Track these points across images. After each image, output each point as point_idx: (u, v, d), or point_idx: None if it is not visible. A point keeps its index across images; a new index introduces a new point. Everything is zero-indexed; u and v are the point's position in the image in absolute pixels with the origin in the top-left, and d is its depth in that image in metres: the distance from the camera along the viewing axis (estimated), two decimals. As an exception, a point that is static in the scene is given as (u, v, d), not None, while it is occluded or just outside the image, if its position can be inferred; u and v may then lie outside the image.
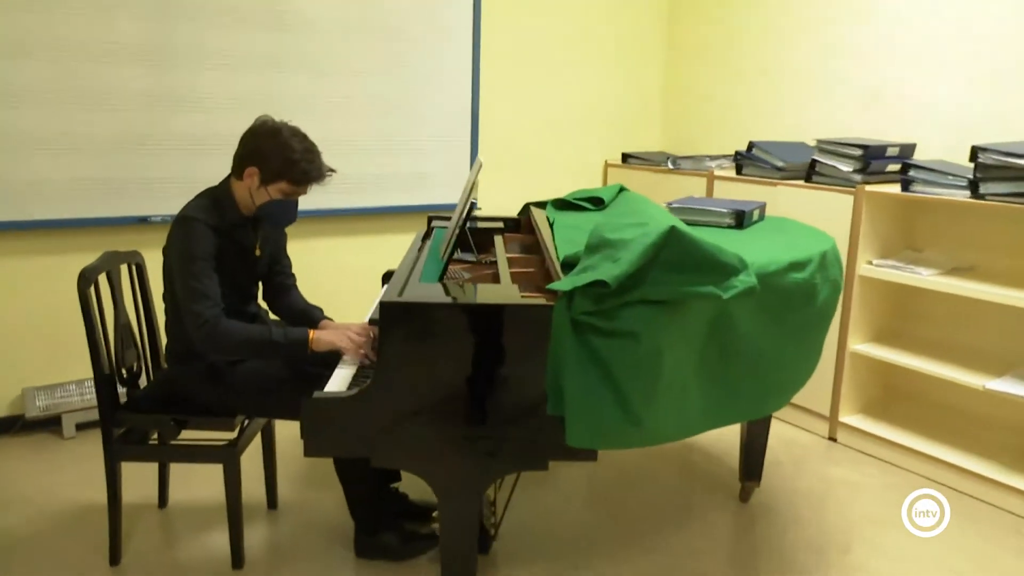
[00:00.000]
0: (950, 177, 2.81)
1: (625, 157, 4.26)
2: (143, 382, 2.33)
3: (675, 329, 1.65)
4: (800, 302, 2.04)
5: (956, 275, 2.91)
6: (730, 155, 3.85)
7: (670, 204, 2.67)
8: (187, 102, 3.11)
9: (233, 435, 2.20)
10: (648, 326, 1.58)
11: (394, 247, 3.72)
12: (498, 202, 3.90)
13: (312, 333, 2.00)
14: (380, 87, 3.53)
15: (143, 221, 3.12)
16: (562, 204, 2.73)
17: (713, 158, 3.82)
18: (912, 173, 2.92)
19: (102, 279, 2.19)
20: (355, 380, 1.86)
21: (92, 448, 2.93)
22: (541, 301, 1.66)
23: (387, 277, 2.92)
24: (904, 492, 2.71)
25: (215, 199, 2.09)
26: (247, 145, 2.05)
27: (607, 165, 4.36)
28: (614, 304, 1.57)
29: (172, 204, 3.08)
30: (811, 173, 3.28)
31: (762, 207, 2.71)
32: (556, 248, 2.03)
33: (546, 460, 1.68)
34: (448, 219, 2.93)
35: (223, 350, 2.02)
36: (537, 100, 4.09)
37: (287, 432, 2.78)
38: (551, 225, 2.39)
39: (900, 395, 3.39)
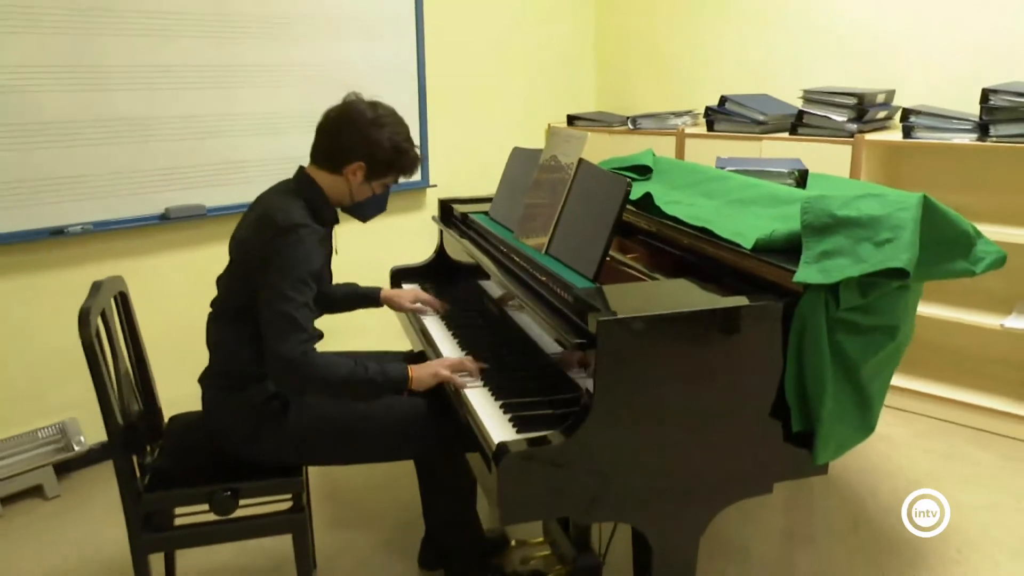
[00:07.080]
0: (954, 121, 2.81)
1: (571, 119, 3.99)
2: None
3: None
4: None
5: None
6: (691, 111, 3.69)
7: (721, 165, 2.45)
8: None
9: (290, 495, 1.75)
10: (905, 316, 1.37)
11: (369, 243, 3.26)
12: (445, 179, 3.54)
13: (411, 371, 1.69)
14: (317, 56, 3.02)
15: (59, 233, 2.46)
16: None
17: (677, 115, 3.64)
18: (914, 119, 2.90)
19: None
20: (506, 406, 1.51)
21: (25, 529, 2.30)
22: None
23: (396, 276, 2.50)
24: (940, 441, 2.75)
25: (306, 199, 1.72)
26: (348, 137, 1.73)
27: (550, 129, 4.07)
28: (877, 295, 1.33)
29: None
30: (797, 125, 3.19)
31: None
32: (706, 226, 1.68)
33: (772, 482, 1.43)
34: (472, 203, 2.53)
35: (310, 389, 1.65)
36: (477, 62, 3.72)
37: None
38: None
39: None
